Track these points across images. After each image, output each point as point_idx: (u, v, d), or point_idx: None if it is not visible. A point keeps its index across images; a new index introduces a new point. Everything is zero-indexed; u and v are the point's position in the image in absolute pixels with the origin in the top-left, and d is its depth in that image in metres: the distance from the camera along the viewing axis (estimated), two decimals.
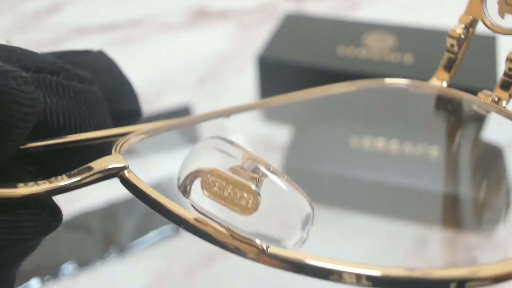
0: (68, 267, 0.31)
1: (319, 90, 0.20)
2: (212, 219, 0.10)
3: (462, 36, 0.19)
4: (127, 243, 0.33)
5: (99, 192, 0.36)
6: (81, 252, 0.32)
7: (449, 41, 0.19)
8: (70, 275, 0.31)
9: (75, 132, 0.13)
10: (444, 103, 0.23)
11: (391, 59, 0.37)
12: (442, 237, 0.33)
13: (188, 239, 0.33)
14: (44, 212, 0.12)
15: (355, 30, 0.41)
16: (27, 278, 0.31)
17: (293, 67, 0.38)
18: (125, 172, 0.12)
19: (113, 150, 0.12)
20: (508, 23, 0.18)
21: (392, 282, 0.09)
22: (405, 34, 0.40)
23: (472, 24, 0.20)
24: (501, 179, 0.32)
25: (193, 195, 0.10)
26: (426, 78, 0.35)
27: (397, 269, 0.09)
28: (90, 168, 0.11)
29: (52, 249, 0.33)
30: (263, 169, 0.10)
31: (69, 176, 0.11)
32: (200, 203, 0.10)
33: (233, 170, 0.10)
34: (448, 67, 0.20)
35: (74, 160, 0.12)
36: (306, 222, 0.10)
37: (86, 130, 0.13)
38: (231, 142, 0.11)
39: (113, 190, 0.36)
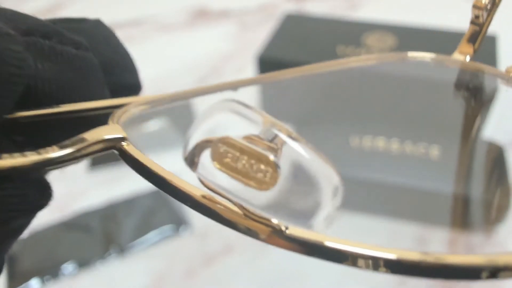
0: (68, 267, 0.31)
1: (337, 63, 0.18)
2: (223, 196, 0.09)
3: (489, 6, 0.18)
4: (127, 243, 0.33)
5: (99, 192, 0.36)
6: (81, 252, 0.32)
7: (474, 12, 0.18)
8: (70, 275, 0.31)
9: (68, 102, 0.12)
10: (465, 80, 0.22)
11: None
12: (442, 237, 0.33)
13: (188, 239, 0.33)
14: (31, 188, 0.10)
15: (355, 30, 0.40)
16: (27, 278, 0.31)
17: (293, 67, 0.38)
18: (124, 144, 0.10)
19: (109, 121, 0.11)
20: None
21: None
22: (405, 34, 0.40)
23: None
24: (502, 178, 0.32)
25: (201, 167, 0.09)
26: (427, 76, 0.35)
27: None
28: (84, 139, 0.10)
29: (52, 249, 0.33)
30: (283, 136, 0.09)
31: (61, 147, 0.10)
32: (209, 176, 0.09)
33: (249, 138, 0.09)
34: (473, 39, 0.19)
35: (67, 133, 0.11)
36: (335, 192, 0.09)
37: (80, 100, 0.12)
38: (247, 105, 0.09)
39: (113, 190, 0.36)
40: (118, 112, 0.11)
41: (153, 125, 0.42)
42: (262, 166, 0.08)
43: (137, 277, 0.31)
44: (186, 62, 0.52)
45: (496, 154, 0.34)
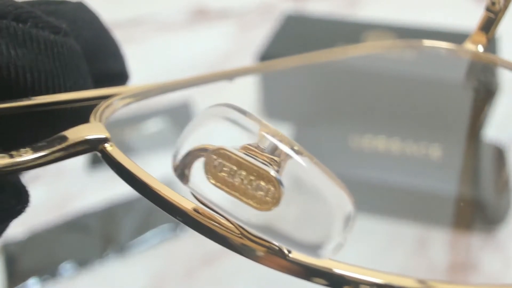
0: (67, 267, 0.31)
1: (346, 50, 0.17)
2: (218, 213, 0.08)
3: None
4: (126, 242, 0.33)
5: (98, 191, 0.36)
6: (80, 252, 0.32)
7: None
8: (69, 275, 0.31)
9: (46, 93, 0.10)
10: (476, 71, 0.22)
11: (392, 57, 0.37)
12: (443, 238, 0.33)
13: (188, 239, 0.33)
14: (3, 193, 0.09)
15: (355, 30, 0.41)
16: (26, 277, 0.31)
17: (295, 66, 0.38)
18: (107, 145, 0.09)
19: (91, 117, 0.10)
20: None
21: None
22: (406, 33, 0.40)
23: None
24: (504, 179, 0.32)
25: (193, 180, 0.08)
26: (427, 75, 0.35)
27: None
28: (63, 139, 0.09)
29: (51, 248, 0.32)
30: (286, 148, 0.08)
31: (35, 149, 0.08)
32: (202, 192, 0.08)
33: (247, 149, 0.08)
34: (487, 28, 0.18)
35: (44, 128, 0.10)
36: (347, 222, 0.08)
37: (59, 91, 0.10)
38: (244, 112, 0.08)
39: (111, 189, 0.36)
40: (101, 107, 0.10)
41: (152, 125, 0.42)
42: (263, 183, 0.07)
43: (136, 277, 0.31)
44: (185, 62, 0.52)
45: (497, 154, 0.34)
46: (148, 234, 0.33)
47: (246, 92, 0.44)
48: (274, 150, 0.08)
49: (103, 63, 0.12)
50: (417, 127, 0.36)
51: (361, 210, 0.34)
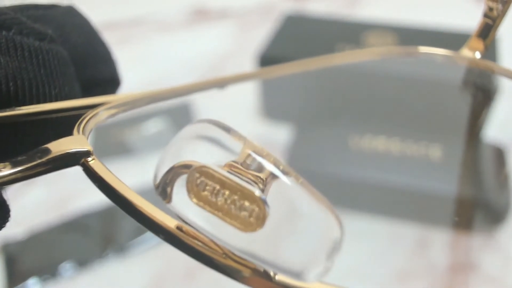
0: (67, 267, 0.31)
1: (342, 57, 0.17)
2: (201, 233, 0.08)
3: None
4: (127, 243, 0.33)
5: (98, 191, 0.36)
6: (80, 252, 0.32)
7: (489, 4, 0.17)
8: (69, 275, 0.31)
9: (31, 102, 0.10)
10: (473, 78, 0.22)
11: (392, 56, 0.37)
12: (444, 239, 0.33)
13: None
14: None
15: (355, 30, 0.41)
16: (26, 277, 0.31)
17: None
18: (89, 159, 0.09)
19: (75, 130, 0.09)
20: None
21: None
22: (406, 33, 0.40)
23: None
24: (504, 179, 0.32)
25: (176, 199, 0.08)
26: (428, 75, 0.35)
27: None
28: (44, 152, 0.08)
29: (51, 249, 0.32)
30: (271, 167, 0.07)
31: (14, 164, 0.08)
32: (185, 211, 0.08)
33: (231, 167, 0.07)
34: (484, 34, 0.18)
35: (29, 139, 0.10)
36: (334, 248, 0.07)
37: (45, 101, 0.10)
38: (227, 129, 0.08)
39: None
40: (85, 119, 0.10)
41: (152, 126, 0.42)
42: (247, 203, 0.07)
43: (136, 277, 0.31)
44: (185, 62, 0.52)
45: (497, 154, 0.34)
46: (148, 234, 0.33)
47: (246, 93, 0.44)
48: (259, 169, 0.07)
49: (93, 68, 0.12)
50: (417, 128, 0.36)
51: (361, 210, 0.34)
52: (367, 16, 0.49)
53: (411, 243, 0.32)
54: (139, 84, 0.48)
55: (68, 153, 0.09)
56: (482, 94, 0.33)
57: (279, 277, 0.08)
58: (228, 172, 0.07)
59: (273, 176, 0.07)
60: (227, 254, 0.08)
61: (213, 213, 0.07)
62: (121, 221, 0.34)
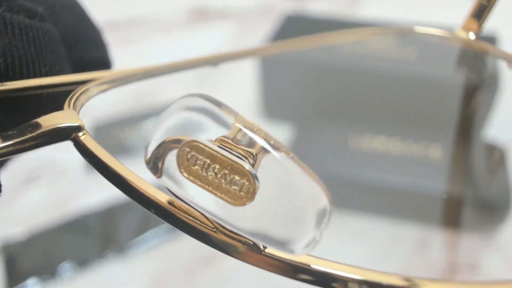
0: (67, 267, 0.31)
1: (335, 36, 0.17)
2: (193, 207, 0.08)
3: None
4: (127, 243, 0.33)
5: (97, 191, 0.36)
6: (80, 252, 0.32)
7: None
8: (68, 275, 0.31)
9: (20, 78, 0.10)
10: (468, 59, 0.22)
11: (392, 56, 0.37)
12: (444, 239, 0.33)
13: (188, 239, 0.33)
14: None
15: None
16: (26, 277, 0.31)
17: (295, 66, 0.38)
18: (80, 134, 0.09)
19: (65, 104, 0.09)
20: None
21: None
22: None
23: None
24: (503, 179, 0.32)
25: (166, 174, 0.08)
26: (428, 75, 0.35)
27: None
28: (35, 126, 0.08)
29: (50, 249, 0.32)
30: (261, 142, 0.07)
31: (4, 138, 0.08)
32: (176, 185, 0.08)
33: (221, 142, 0.07)
34: (479, 15, 0.18)
35: (20, 115, 0.10)
36: (321, 218, 0.07)
37: (35, 77, 0.10)
38: (218, 103, 0.08)
39: (111, 189, 0.36)
40: (76, 94, 0.10)
41: (151, 125, 0.42)
42: (237, 177, 0.07)
43: (136, 277, 0.31)
44: None
45: (497, 154, 0.34)
46: (148, 234, 0.33)
47: (245, 92, 0.44)
48: (250, 143, 0.08)
49: (83, 50, 0.12)
50: (417, 127, 0.36)
51: (360, 210, 0.34)
52: (367, 16, 0.49)
53: (411, 243, 0.32)
54: (139, 84, 0.48)
55: (58, 127, 0.09)
56: (478, 87, 0.33)
57: (269, 250, 0.08)
58: (219, 146, 0.07)
59: (264, 151, 0.07)
60: (217, 228, 0.08)
61: (204, 187, 0.07)
62: (121, 221, 0.34)
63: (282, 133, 0.41)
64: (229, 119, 0.08)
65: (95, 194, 0.36)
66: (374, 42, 0.38)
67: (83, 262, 0.32)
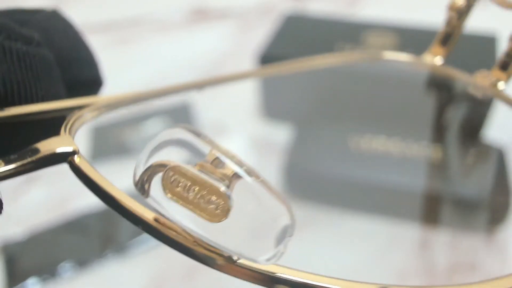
0: (66, 267, 0.31)
1: (308, 62, 0.18)
2: (176, 224, 0.09)
3: (463, 8, 0.19)
4: (126, 242, 0.33)
5: None
6: (80, 252, 0.32)
7: (449, 14, 0.19)
8: (68, 275, 0.31)
9: (19, 103, 0.11)
10: (436, 82, 0.23)
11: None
12: (444, 239, 0.33)
13: None
14: None
15: (355, 30, 0.41)
16: (26, 277, 0.31)
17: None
18: (75, 157, 0.10)
19: (62, 130, 0.10)
20: None
21: None
22: (406, 33, 0.40)
23: None
24: (503, 180, 0.32)
25: (153, 194, 0.09)
26: (427, 74, 0.35)
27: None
28: (34, 151, 0.09)
29: (50, 249, 0.33)
30: (235, 167, 0.09)
31: (7, 162, 0.09)
32: (161, 204, 0.09)
33: (201, 166, 0.09)
34: (444, 41, 0.20)
35: (17, 139, 0.10)
36: (283, 235, 0.08)
37: (32, 102, 0.11)
38: (197, 134, 0.09)
39: None
40: (71, 120, 0.11)
41: (152, 126, 0.42)
42: (214, 197, 0.08)
43: (136, 277, 0.31)
44: (184, 62, 0.52)
45: (497, 155, 0.34)
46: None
47: (245, 93, 0.44)
48: (225, 168, 0.09)
49: (76, 70, 0.13)
50: (418, 128, 0.36)
51: (360, 210, 0.34)
52: (367, 16, 0.49)
53: (411, 244, 0.32)
54: (138, 84, 0.48)
55: (55, 153, 0.10)
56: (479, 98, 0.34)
57: (241, 261, 0.09)
58: (199, 171, 0.09)
59: (237, 175, 0.09)
60: (197, 242, 0.09)
61: (185, 206, 0.09)
62: (121, 221, 0.34)
63: (282, 133, 0.41)
64: (207, 147, 0.09)
65: (93, 194, 0.36)
66: (374, 44, 0.38)
67: (83, 262, 0.32)
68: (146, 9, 0.62)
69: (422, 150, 0.34)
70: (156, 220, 0.09)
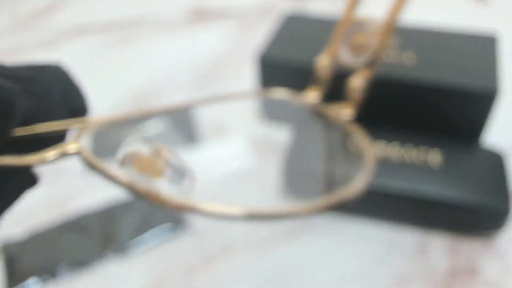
0: (66, 267, 0.31)
1: (205, 101, 0.24)
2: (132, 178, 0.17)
3: (328, 66, 0.26)
4: (127, 242, 0.33)
5: (97, 192, 0.36)
6: (80, 252, 0.32)
7: (319, 68, 0.27)
8: (68, 275, 0.31)
9: (39, 122, 0.17)
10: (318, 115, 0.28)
11: (392, 58, 0.37)
12: (443, 244, 0.33)
13: (188, 239, 0.33)
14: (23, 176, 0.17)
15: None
16: (26, 277, 0.31)
17: (294, 66, 0.38)
18: (83, 152, 0.17)
19: (74, 138, 0.17)
20: (357, 60, 0.26)
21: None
22: (406, 33, 0.40)
23: (334, 58, 0.28)
24: (502, 185, 0.32)
25: (127, 167, 0.17)
26: (427, 77, 0.35)
27: None
28: (62, 148, 0.16)
29: (51, 249, 0.33)
30: (166, 155, 0.16)
31: (51, 151, 0.16)
32: (129, 174, 0.16)
33: (157, 152, 0.16)
34: (316, 84, 0.26)
35: (37, 143, 0.16)
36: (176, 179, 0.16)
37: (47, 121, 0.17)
38: (148, 141, 0.16)
39: (110, 190, 0.36)
40: (78, 133, 0.18)
41: (153, 127, 0.42)
42: (158, 165, 0.16)
43: (136, 277, 0.31)
44: (185, 62, 0.52)
45: (497, 159, 0.34)
46: (148, 234, 0.33)
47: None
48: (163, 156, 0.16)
49: (73, 101, 0.18)
50: (417, 133, 0.36)
51: (360, 215, 0.34)
52: (366, 16, 0.49)
53: (411, 248, 0.32)
54: (139, 84, 0.48)
55: (74, 151, 0.17)
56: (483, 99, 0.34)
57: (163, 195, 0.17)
58: (153, 155, 0.16)
59: (168, 162, 0.16)
60: (149, 190, 0.17)
61: (144, 171, 0.16)
62: (121, 221, 0.34)
63: (282, 133, 0.41)
64: (151, 146, 0.16)
65: (95, 194, 0.36)
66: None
67: (83, 262, 0.32)
68: (146, 9, 0.62)
69: (421, 155, 0.34)
70: (128, 182, 0.17)
